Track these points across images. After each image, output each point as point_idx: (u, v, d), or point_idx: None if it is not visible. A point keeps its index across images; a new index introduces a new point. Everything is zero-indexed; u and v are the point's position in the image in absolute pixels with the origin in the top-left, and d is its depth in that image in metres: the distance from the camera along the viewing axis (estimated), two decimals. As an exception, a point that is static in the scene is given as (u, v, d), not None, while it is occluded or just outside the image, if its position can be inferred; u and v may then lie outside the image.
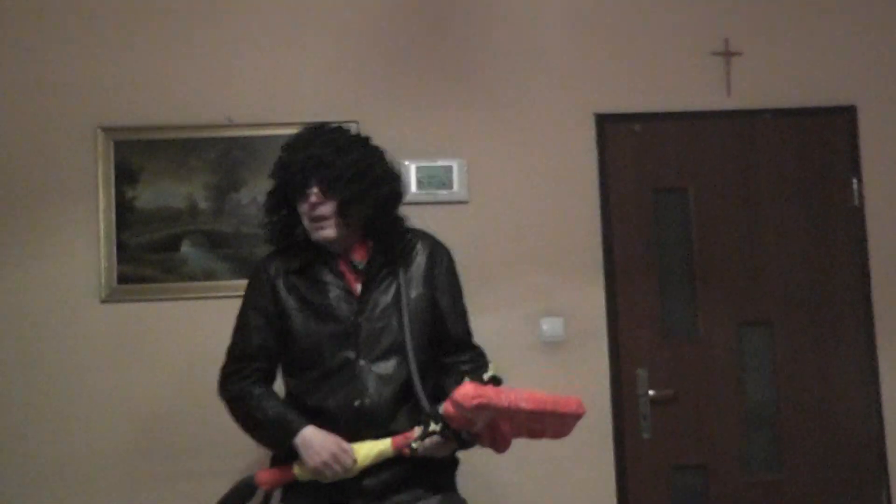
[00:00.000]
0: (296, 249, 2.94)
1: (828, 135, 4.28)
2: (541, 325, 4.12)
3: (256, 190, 4.09)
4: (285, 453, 2.85)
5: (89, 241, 4.09)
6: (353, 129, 4.06)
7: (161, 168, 4.11)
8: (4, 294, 4.07)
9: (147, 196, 4.09)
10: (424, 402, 2.76)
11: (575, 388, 4.00)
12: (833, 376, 4.19)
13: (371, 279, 2.88)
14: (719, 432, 4.15)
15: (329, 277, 2.89)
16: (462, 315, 3.02)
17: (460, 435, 2.67)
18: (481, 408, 2.53)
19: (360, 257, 2.92)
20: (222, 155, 4.12)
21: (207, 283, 4.06)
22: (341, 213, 2.81)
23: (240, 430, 3.98)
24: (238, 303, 4.03)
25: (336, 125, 2.98)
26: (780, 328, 4.20)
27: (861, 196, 4.26)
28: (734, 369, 4.18)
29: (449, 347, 2.94)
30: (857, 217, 4.25)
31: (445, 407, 2.60)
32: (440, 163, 4.15)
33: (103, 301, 4.06)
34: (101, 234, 4.07)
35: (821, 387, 4.19)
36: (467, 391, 2.54)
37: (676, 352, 4.17)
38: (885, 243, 4.24)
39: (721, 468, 4.16)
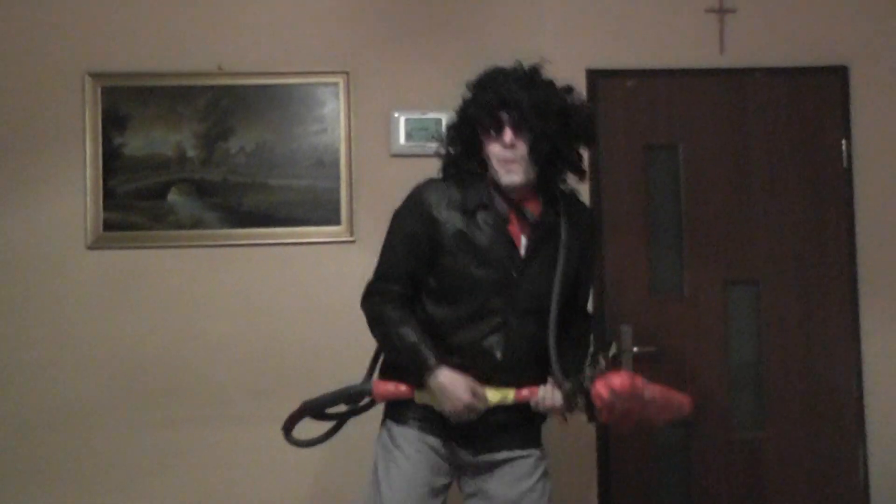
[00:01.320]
0: (466, 184, 2.89)
1: (819, 95, 4.31)
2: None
3: (245, 138, 4.11)
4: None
5: (76, 188, 4.11)
6: (343, 80, 4.12)
7: (150, 115, 4.11)
8: (-10, 239, 4.07)
9: (135, 143, 4.10)
10: (557, 368, 2.77)
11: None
12: (817, 336, 4.25)
13: (539, 239, 2.86)
14: (703, 390, 4.21)
15: (496, 223, 2.84)
16: (590, 288, 3.11)
17: (594, 411, 2.75)
18: (630, 397, 2.67)
19: (532, 209, 2.88)
20: (212, 103, 4.12)
21: (194, 232, 4.08)
22: (533, 154, 2.78)
23: (226, 377, 4.04)
24: (225, 251, 4.08)
25: (532, 65, 2.91)
26: (767, 287, 4.25)
27: (850, 157, 4.29)
28: (719, 327, 4.24)
29: (571, 313, 2.97)
30: (845, 178, 4.30)
31: (598, 389, 2.68)
32: (430, 115, 4.16)
33: (89, 248, 4.08)
34: (88, 180, 4.08)
35: (805, 346, 4.25)
36: (626, 383, 2.67)
37: (662, 309, 4.21)
38: (873, 205, 4.28)
39: (704, 425, 4.21)
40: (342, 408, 2.99)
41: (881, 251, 4.27)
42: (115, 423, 4.07)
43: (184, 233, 4.09)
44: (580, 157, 2.93)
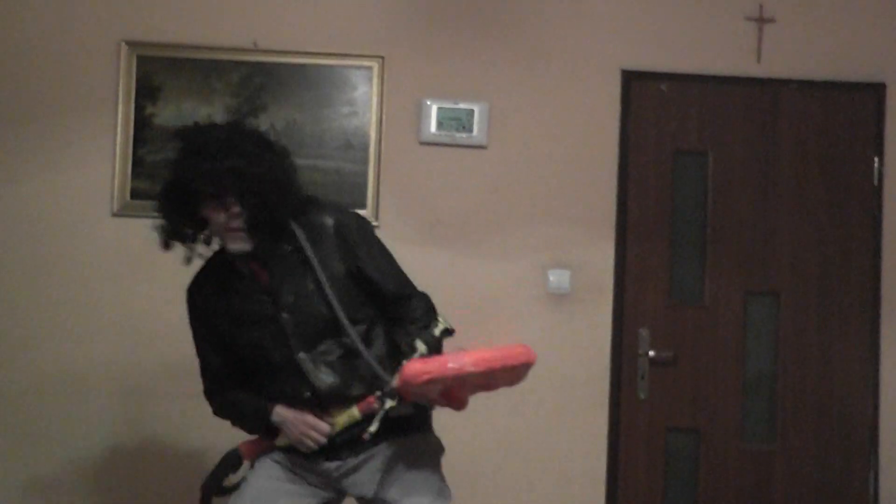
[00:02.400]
0: (213, 261, 2.93)
1: (854, 111, 4.30)
2: (548, 277, 4.16)
3: (275, 116, 4.15)
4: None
5: (105, 155, 4.15)
6: (378, 65, 4.12)
7: (182, 87, 4.15)
8: (18, 201, 4.15)
9: (166, 114, 4.13)
10: (377, 369, 2.75)
11: (576, 342, 4.10)
12: (834, 352, 4.24)
13: (279, 269, 2.80)
14: (716, 398, 4.22)
15: (241, 283, 2.84)
16: (391, 272, 2.90)
17: (416, 404, 2.76)
18: (431, 382, 2.60)
19: (261, 250, 2.81)
20: (245, 79, 4.15)
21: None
22: (253, 223, 2.72)
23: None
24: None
25: (233, 122, 2.98)
26: (787, 300, 4.26)
27: (881, 175, 4.28)
28: (737, 337, 4.24)
29: (391, 304, 2.87)
30: (875, 196, 4.30)
31: (398, 384, 2.65)
32: (462, 105, 4.18)
33: (114, 215, 4.13)
34: (118, 148, 4.12)
35: (821, 361, 4.24)
36: (415, 370, 2.59)
37: (681, 315, 4.22)
38: (901, 225, 4.25)
39: (715, 434, 4.21)
40: (235, 475, 3.00)
41: (906, 272, 4.25)
42: (127, 391, 4.12)
43: (209, 206, 4.10)
44: (297, 194, 2.84)
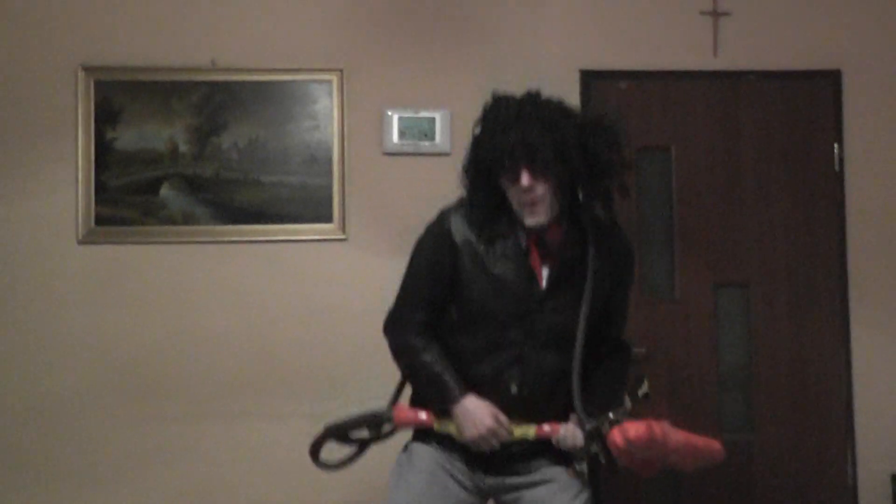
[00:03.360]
0: (487, 214, 2.76)
1: (812, 99, 4.36)
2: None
3: (238, 134, 4.14)
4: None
5: (67, 181, 4.14)
6: (337, 77, 4.13)
7: (142, 109, 4.14)
8: (-20, 232, 4.08)
9: (127, 137, 4.12)
10: (580, 408, 2.66)
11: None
12: (806, 340, 4.29)
13: (562, 270, 2.73)
14: (692, 392, 4.25)
15: (516, 254, 2.73)
16: (626, 316, 2.94)
17: (612, 462, 2.65)
18: (648, 448, 2.56)
19: (552, 237, 2.74)
20: (205, 98, 4.14)
21: (186, 228, 4.11)
22: (557, 194, 2.66)
23: (216, 373, 4.06)
24: (216, 247, 4.09)
25: (537, 93, 2.73)
26: (757, 290, 4.30)
27: (842, 161, 4.33)
28: (709, 330, 4.28)
29: (603, 343, 2.85)
30: (836, 182, 4.34)
31: (613, 437, 2.57)
32: (423, 114, 4.20)
33: (80, 242, 4.11)
34: (80, 174, 4.11)
35: (794, 350, 4.29)
36: (642, 433, 2.53)
37: (652, 310, 4.25)
38: (864, 209, 4.34)
39: (693, 427, 4.17)
40: (365, 432, 2.93)
41: (872, 255, 4.32)
42: (104, 418, 4.11)
43: (175, 228, 4.11)
44: (618, 175, 2.74)
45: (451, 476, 2.78)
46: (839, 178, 4.34)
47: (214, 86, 4.18)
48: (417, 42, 4.27)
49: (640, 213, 4.31)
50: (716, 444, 2.72)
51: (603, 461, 2.65)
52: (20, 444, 4.07)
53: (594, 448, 2.64)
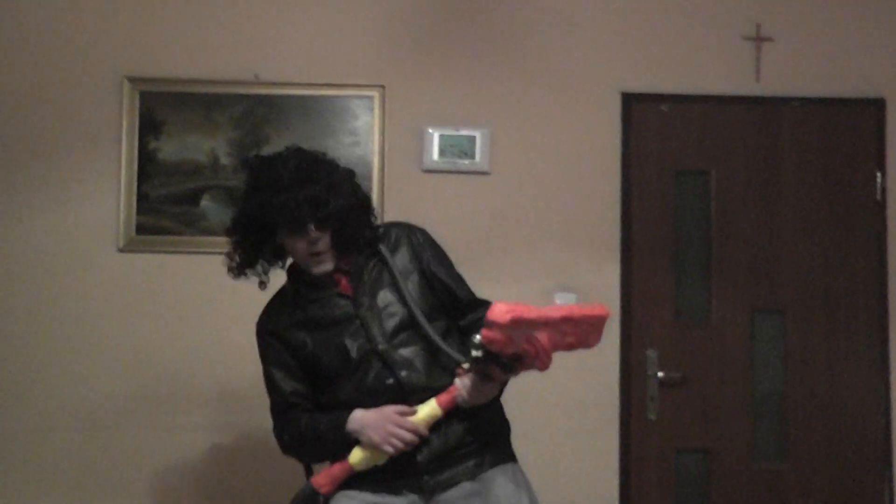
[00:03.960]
0: (283, 289, 3.01)
1: (855, 127, 4.32)
2: (554, 300, 4.15)
3: (279, 148, 4.08)
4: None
5: (110, 191, 4.18)
6: (379, 94, 4.15)
7: (185, 121, 4.17)
8: (24, 239, 4.18)
9: (170, 148, 4.15)
10: (452, 352, 2.76)
11: (584, 365, 4.11)
12: (843, 369, 4.24)
13: (358, 276, 2.90)
14: (726, 418, 4.22)
15: (320, 293, 2.91)
16: (462, 280, 3.02)
17: (501, 360, 2.62)
18: (516, 322, 2.51)
19: (345, 264, 2.92)
20: (247, 111, 4.17)
21: (225, 239, 4.08)
22: (336, 243, 2.85)
23: (247, 386, 4.07)
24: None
25: (302, 150, 2.93)
26: (793, 317, 4.26)
27: (884, 190, 4.30)
28: (745, 356, 4.25)
29: (463, 311, 2.96)
30: (878, 211, 4.31)
31: (483, 333, 2.56)
32: (463, 132, 4.21)
33: (120, 250, 4.15)
34: (122, 183, 4.15)
35: (830, 378, 4.25)
36: (500, 308, 2.51)
37: (688, 335, 4.22)
38: (905, 239, 4.26)
39: (726, 454, 4.20)
40: None
41: (912, 286, 4.26)
42: (139, 426, 4.14)
43: (214, 239, 4.11)
44: (370, 211, 2.99)
45: None
46: (881, 207, 4.31)
47: (257, 99, 4.21)
48: (459, 61, 4.29)
49: (677, 237, 4.29)
50: (595, 304, 2.72)
51: (499, 370, 2.64)
52: (55, 450, 4.11)
53: (474, 353, 2.63)
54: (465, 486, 2.78)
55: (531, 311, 2.55)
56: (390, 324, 2.84)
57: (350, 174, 2.94)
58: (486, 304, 2.91)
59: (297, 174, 2.79)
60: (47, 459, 4.11)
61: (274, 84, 4.22)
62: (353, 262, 2.91)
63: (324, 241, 2.82)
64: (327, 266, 2.86)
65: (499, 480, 2.81)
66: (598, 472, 4.20)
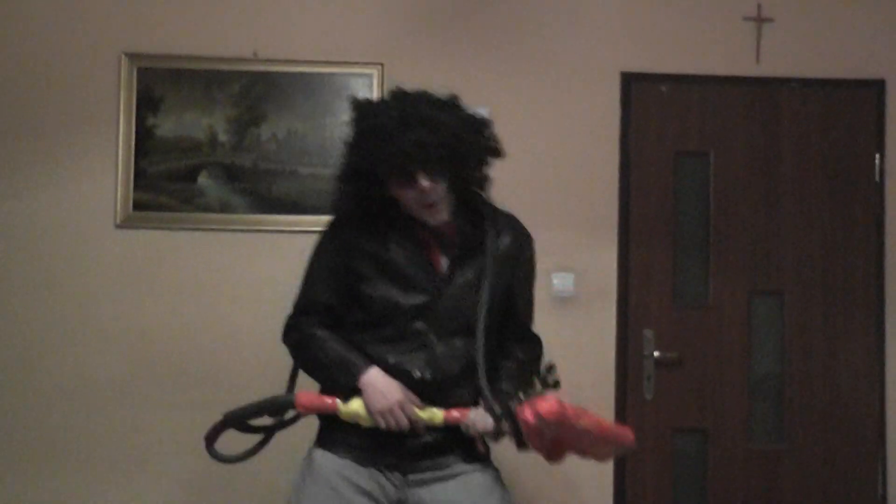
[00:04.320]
0: (380, 212, 2.79)
1: (854, 108, 4.31)
2: (552, 280, 4.15)
3: (277, 125, 4.16)
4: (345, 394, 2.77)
5: (107, 167, 4.17)
6: (378, 72, 4.13)
7: (183, 98, 4.16)
8: (21, 214, 4.19)
9: (168, 125, 4.15)
10: (486, 388, 2.68)
11: (581, 345, 4.10)
12: (840, 350, 4.26)
13: (458, 257, 2.78)
14: (722, 399, 4.23)
15: (411, 246, 2.77)
16: (531, 304, 2.96)
17: (521, 438, 2.64)
18: (559, 425, 2.57)
19: (446, 228, 2.78)
20: (246, 89, 4.17)
21: (223, 216, 4.13)
22: (453, 191, 2.73)
23: (244, 364, 4.06)
24: (252, 237, 4.11)
25: (400, 93, 2.75)
26: (791, 299, 4.27)
27: (882, 172, 4.30)
28: (742, 337, 4.26)
29: (511, 332, 2.88)
30: (877, 193, 4.33)
31: (524, 413, 2.58)
32: (463, 111, 4.16)
33: (118, 226, 4.15)
34: (120, 159, 4.15)
35: (827, 360, 4.26)
36: (553, 408, 2.54)
37: (685, 316, 4.22)
38: (904, 221, 4.26)
39: (722, 434, 4.22)
40: (267, 420, 2.87)
41: (909, 268, 4.26)
42: (136, 403, 4.15)
43: (212, 216, 4.14)
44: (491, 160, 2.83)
45: (357, 487, 2.75)
46: (879, 189, 4.31)
47: (255, 76, 4.20)
48: (458, 39, 4.28)
49: (676, 218, 4.29)
50: (627, 431, 2.78)
51: (513, 440, 2.66)
52: (53, 428, 4.12)
53: (504, 426, 2.64)
54: (442, 472, 2.78)
55: (578, 421, 2.59)
56: (455, 323, 2.75)
57: (458, 112, 2.73)
58: (531, 338, 2.95)
59: (401, 119, 2.62)
60: (44, 436, 4.11)
61: (273, 61, 4.21)
62: (460, 238, 2.78)
63: (437, 190, 2.67)
64: (443, 216, 2.73)
65: (476, 475, 2.80)
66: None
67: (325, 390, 2.81)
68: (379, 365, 2.73)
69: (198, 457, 4.09)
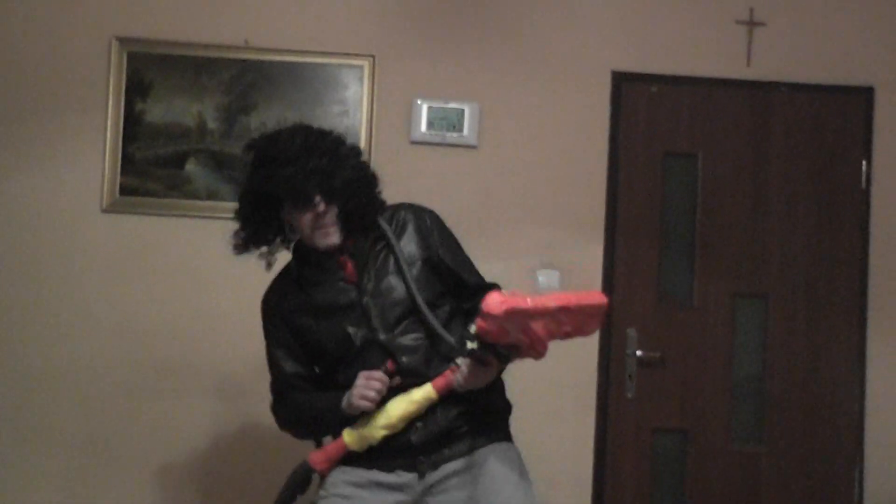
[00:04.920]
0: (288, 267, 3.00)
1: (842, 114, 4.34)
2: (537, 277, 4.16)
3: (266, 115, 4.16)
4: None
5: (95, 151, 4.17)
6: (369, 64, 4.13)
7: (173, 84, 4.16)
8: (7, 197, 4.18)
9: (157, 111, 4.14)
10: (438, 328, 2.77)
11: (564, 343, 4.08)
12: (822, 354, 4.29)
13: (363, 261, 2.89)
14: (704, 399, 4.26)
15: (324, 276, 2.90)
16: (469, 264, 3.00)
17: (497, 349, 2.63)
18: (511, 313, 2.51)
19: (350, 245, 2.90)
20: (236, 77, 4.16)
21: (210, 203, 4.13)
22: (343, 218, 2.84)
23: (228, 351, 4.06)
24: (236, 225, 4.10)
25: (297, 126, 2.93)
26: (775, 302, 4.29)
27: (869, 179, 4.32)
28: (725, 338, 4.28)
29: (469, 295, 2.91)
30: (863, 199, 4.34)
31: (477, 323, 2.58)
32: (452, 105, 4.21)
33: (104, 211, 4.15)
34: (108, 144, 4.14)
35: (809, 364, 4.30)
36: (494, 299, 2.52)
37: (669, 316, 4.24)
38: (888, 228, 4.34)
39: (702, 435, 4.24)
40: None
41: (893, 275, 4.30)
42: (116, 388, 4.14)
43: (199, 203, 4.14)
44: (375, 186, 2.97)
45: (368, 483, 2.79)
46: (865, 196, 4.33)
47: (246, 65, 4.19)
48: (450, 33, 4.28)
49: (662, 219, 4.31)
50: (594, 293, 2.75)
51: (495, 359, 2.66)
52: (37, 415, 4.11)
53: (469, 344, 2.64)
54: (457, 464, 2.79)
55: (526, 302, 2.53)
56: (394, 313, 2.83)
57: (356, 150, 2.96)
58: (488, 287, 2.92)
59: (304, 147, 2.79)
60: (30, 422, 4.10)
61: (264, 50, 4.20)
62: (359, 245, 2.90)
63: (330, 214, 2.81)
64: (333, 239, 2.84)
65: (490, 460, 2.81)
66: (573, 451, 4.23)
67: (331, 435, 2.88)
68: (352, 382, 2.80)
69: (190, 442, 4.12)
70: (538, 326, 2.59)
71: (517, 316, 2.53)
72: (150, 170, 4.15)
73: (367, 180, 2.90)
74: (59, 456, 4.10)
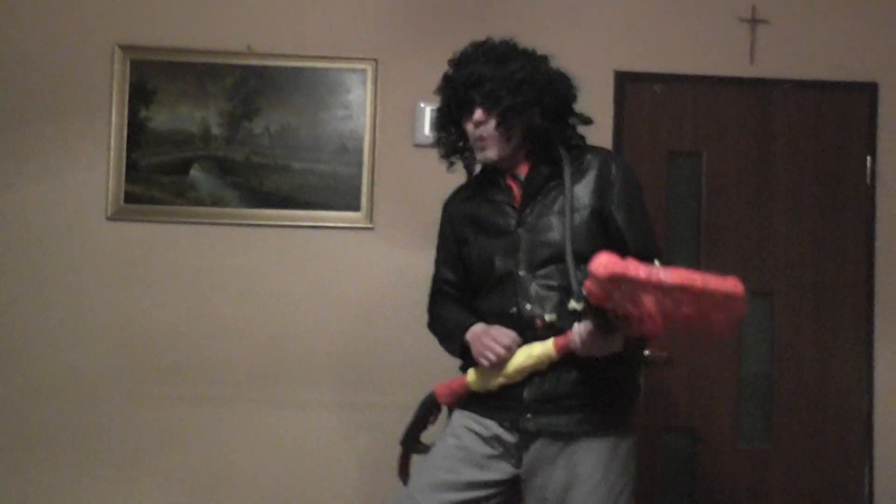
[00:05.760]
0: (477, 177, 3.03)
1: (847, 110, 4.33)
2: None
3: (270, 120, 4.15)
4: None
5: (99, 159, 4.19)
6: (372, 68, 4.13)
7: (177, 91, 4.16)
8: (12, 206, 4.20)
9: (160, 118, 4.15)
10: (574, 280, 2.70)
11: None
12: (829, 352, 4.28)
13: (531, 191, 2.85)
14: (711, 399, 4.25)
15: (497, 195, 2.91)
16: (642, 229, 2.86)
17: (605, 315, 2.49)
18: (615, 278, 2.36)
19: (524, 171, 2.89)
20: (239, 82, 4.16)
21: (214, 210, 4.13)
22: (502, 129, 2.80)
23: (233, 357, 4.07)
24: (243, 231, 4.11)
25: (501, 39, 2.93)
26: (781, 300, 4.28)
27: (874, 175, 4.31)
28: (732, 338, 4.25)
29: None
30: (868, 196, 4.33)
31: (585, 284, 2.46)
32: (456, 108, 4.16)
33: (109, 218, 4.15)
34: (112, 152, 4.14)
35: (816, 362, 4.28)
36: (601, 261, 2.37)
37: (676, 315, 4.20)
38: (894, 223, 4.34)
39: (711, 434, 4.23)
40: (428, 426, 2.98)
41: (899, 271, 4.28)
42: (124, 396, 4.16)
43: (203, 209, 4.14)
44: (560, 105, 2.92)
45: (478, 435, 2.81)
46: (870, 192, 4.32)
47: (249, 70, 4.20)
48: (453, 36, 4.22)
49: (667, 218, 4.31)
50: (728, 278, 2.44)
51: (600, 324, 2.53)
52: (39, 420, 4.12)
53: (572, 303, 2.61)
54: (553, 450, 2.75)
55: (637, 270, 2.37)
56: (542, 252, 2.78)
57: (537, 59, 2.91)
58: (650, 259, 2.64)
59: (477, 55, 2.84)
60: (34, 427, 4.12)
61: (267, 55, 4.21)
62: (535, 174, 2.86)
63: (489, 126, 2.80)
64: (490, 154, 2.83)
65: (589, 460, 2.74)
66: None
67: (463, 362, 2.94)
68: (485, 316, 2.84)
69: (183, 452, 4.13)
70: (649, 301, 2.39)
71: (624, 283, 2.37)
72: (155, 177, 4.16)
73: (529, 87, 2.80)
74: (64, 461, 4.11)
